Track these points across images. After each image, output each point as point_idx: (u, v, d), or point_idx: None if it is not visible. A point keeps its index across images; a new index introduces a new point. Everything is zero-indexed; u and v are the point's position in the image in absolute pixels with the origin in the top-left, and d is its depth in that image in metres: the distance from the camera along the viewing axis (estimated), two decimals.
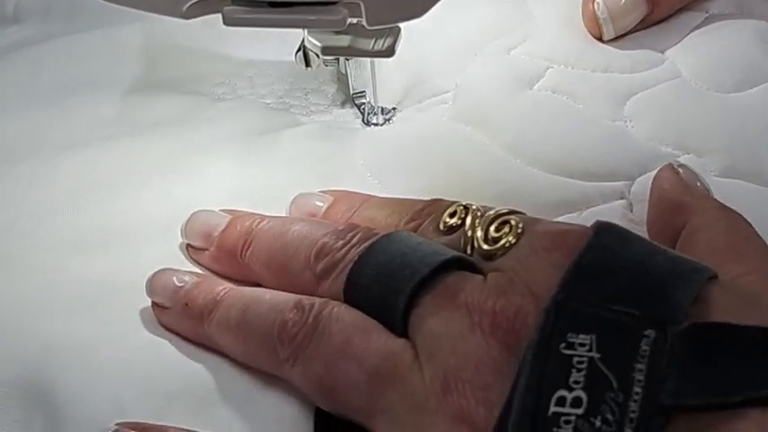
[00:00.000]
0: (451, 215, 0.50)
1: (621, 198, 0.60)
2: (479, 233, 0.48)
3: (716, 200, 0.52)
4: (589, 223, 0.47)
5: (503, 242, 0.47)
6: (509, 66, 0.68)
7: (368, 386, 0.45)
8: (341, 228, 0.51)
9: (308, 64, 0.66)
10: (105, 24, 0.75)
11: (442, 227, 0.50)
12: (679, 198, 0.52)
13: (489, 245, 0.47)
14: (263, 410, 0.49)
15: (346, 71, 0.67)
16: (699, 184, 0.53)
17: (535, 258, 0.45)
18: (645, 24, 0.70)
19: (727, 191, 0.56)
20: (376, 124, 0.67)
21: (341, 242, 0.49)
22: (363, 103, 0.67)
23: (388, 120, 0.67)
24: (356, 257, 0.48)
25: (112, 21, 0.75)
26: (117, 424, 0.47)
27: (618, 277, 0.42)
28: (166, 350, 0.51)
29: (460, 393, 0.42)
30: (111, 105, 0.67)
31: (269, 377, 0.49)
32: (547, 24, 0.71)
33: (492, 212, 0.49)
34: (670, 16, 0.71)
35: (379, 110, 0.67)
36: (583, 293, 0.42)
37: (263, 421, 0.48)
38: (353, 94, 0.68)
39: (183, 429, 0.47)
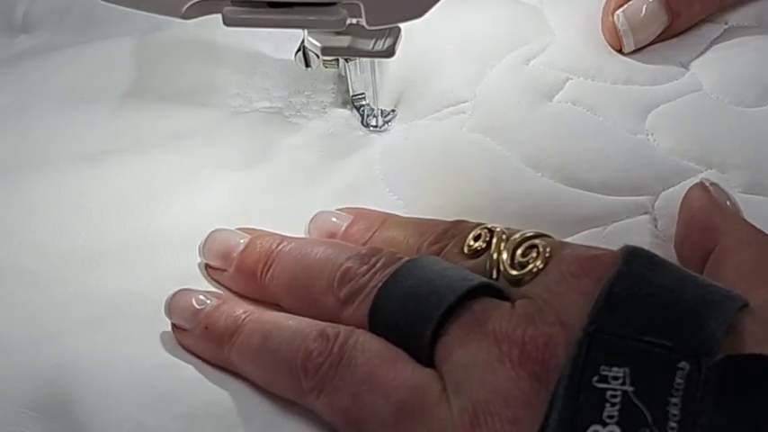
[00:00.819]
0: (476, 238, 0.49)
1: (645, 213, 0.59)
2: (505, 257, 0.47)
3: (746, 221, 0.52)
4: (614, 239, 0.46)
5: (530, 267, 0.46)
6: (528, 77, 0.67)
7: (395, 419, 0.44)
8: (364, 251, 0.50)
9: (307, 64, 0.65)
10: (115, 34, 0.74)
11: (466, 250, 0.49)
12: (709, 218, 0.52)
13: (516, 270, 0.47)
14: None
15: (346, 73, 0.66)
16: (729, 203, 0.52)
17: (564, 285, 0.44)
18: (665, 36, 0.69)
19: (750, 207, 0.56)
20: (375, 126, 0.66)
21: (365, 267, 0.49)
22: (363, 106, 0.67)
23: (388, 122, 0.66)
24: (381, 284, 0.48)
25: (122, 30, 0.75)
26: None
27: (649, 307, 0.42)
28: (187, 371, 0.50)
29: (489, 427, 0.42)
30: (122, 117, 0.67)
31: (292, 404, 0.48)
32: (565, 35, 0.71)
33: (518, 236, 0.48)
34: (690, 28, 0.70)
35: (379, 112, 0.66)
36: (614, 324, 0.41)
37: None
38: (353, 96, 0.67)
39: None
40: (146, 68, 0.71)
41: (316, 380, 0.46)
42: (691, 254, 0.52)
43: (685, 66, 0.68)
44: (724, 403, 0.39)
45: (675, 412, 0.39)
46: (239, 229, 0.55)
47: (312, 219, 0.56)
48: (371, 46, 0.61)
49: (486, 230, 0.49)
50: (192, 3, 0.57)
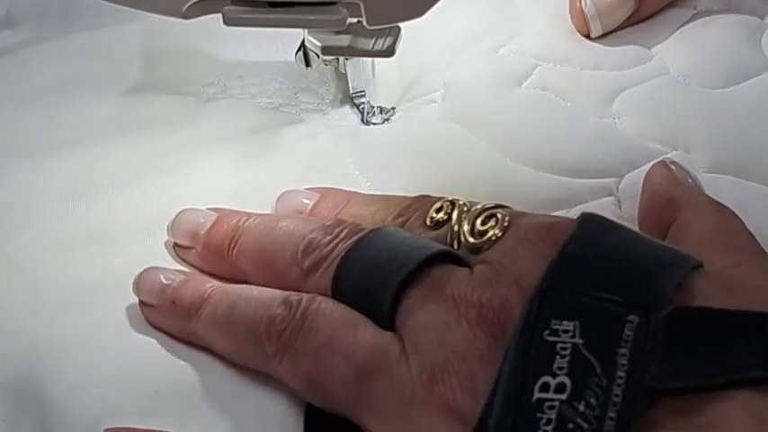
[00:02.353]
0: (438, 210, 0.50)
1: (610, 195, 0.60)
2: (466, 227, 0.48)
3: (706, 195, 0.52)
4: None
5: (489, 235, 0.47)
6: (498, 64, 0.68)
7: (355, 380, 0.45)
8: (328, 223, 0.51)
9: (308, 64, 0.66)
10: (96, 27, 0.75)
11: (428, 222, 0.50)
12: (670, 193, 0.52)
13: (476, 238, 0.48)
14: (251, 408, 0.48)
15: (346, 71, 0.67)
16: (690, 180, 0.53)
17: (521, 250, 0.45)
18: (632, 21, 0.70)
19: (715, 186, 0.56)
20: (375, 124, 0.67)
21: (328, 237, 0.49)
22: (363, 103, 0.67)
23: (387, 119, 0.67)
24: (343, 252, 0.48)
25: (106, 24, 0.75)
26: (105, 430, 0.47)
27: (601, 265, 0.43)
28: (154, 348, 0.51)
29: (447, 384, 0.42)
30: (100, 106, 0.67)
31: (257, 375, 0.49)
32: (535, 22, 0.71)
33: (478, 207, 0.49)
34: (658, 13, 0.71)
35: (378, 110, 0.67)
36: (566, 282, 0.42)
37: (251, 419, 0.48)
38: (353, 93, 0.68)
39: None
40: (126, 60, 0.72)
41: (278, 345, 0.47)
42: (653, 229, 0.53)
43: (652, 50, 0.69)
44: (671, 353, 0.40)
45: (624, 362, 0.39)
46: (207, 208, 0.56)
47: (279, 197, 0.57)
48: (371, 45, 0.62)
49: (447, 203, 0.50)
50: (192, 2, 0.57)
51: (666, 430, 0.39)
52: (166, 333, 0.52)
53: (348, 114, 0.68)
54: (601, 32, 0.69)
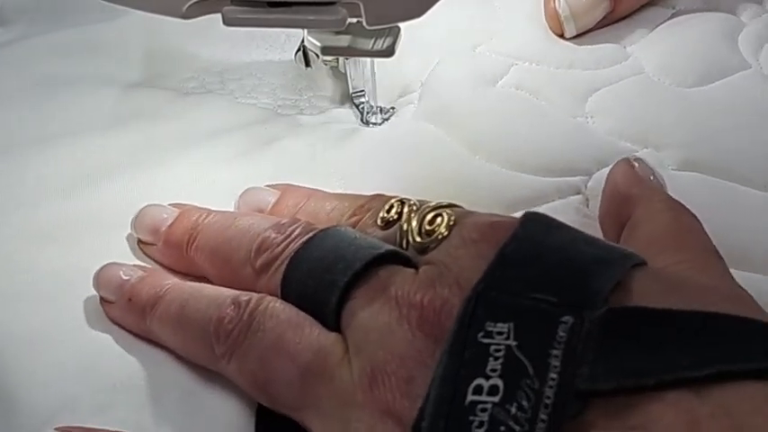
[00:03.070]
0: (389, 209, 0.50)
1: (578, 193, 0.60)
2: (414, 226, 0.48)
3: (664, 193, 0.52)
4: None
5: (435, 234, 0.47)
6: (474, 64, 0.68)
7: (300, 382, 0.45)
8: (282, 222, 0.51)
9: (307, 64, 0.67)
10: (86, 23, 0.76)
11: (379, 221, 0.50)
12: (628, 190, 0.52)
13: (423, 238, 0.48)
14: (206, 404, 0.49)
15: (345, 70, 0.67)
16: (652, 177, 0.53)
17: (463, 250, 0.45)
18: (608, 22, 0.70)
19: (684, 184, 0.57)
20: (375, 123, 0.67)
21: (280, 237, 0.50)
22: (362, 103, 0.67)
23: (387, 119, 0.67)
24: (293, 253, 0.49)
25: (94, 20, 0.76)
26: (56, 428, 0.47)
27: (539, 265, 0.43)
28: (113, 343, 0.51)
29: (386, 387, 0.43)
30: (79, 102, 0.68)
31: (211, 372, 0.49)
32: (513, 22, 0.72)
33: (429, 206, 0.49)
34: (636, 12, 0.71)
35: (378, 109, 0.67)
36: (503, 282, 0.42)
37: (206, 414, 0.48)
38: (352, 93, 0.68)
39: None
40: (109, 55, 0.73)
41: (227, 345, 0.47)
42: (611, 226, 0.53)
43: (629, 49, 0.69)
44: (604, 353, 0.40)
45: (556, 364, 0.39)
46: (170, 204, 0.56)
47: (242, 194, 0.57)
48: (371, 45, 0.62)
49: (398, 202, 0.50)
50: (192, 2, 0.57)
51: (598, 431, 0.39)
52: (125, 329, 0.52)
53: (348, 116, 0.68)
54: (575, 33, 0.69)
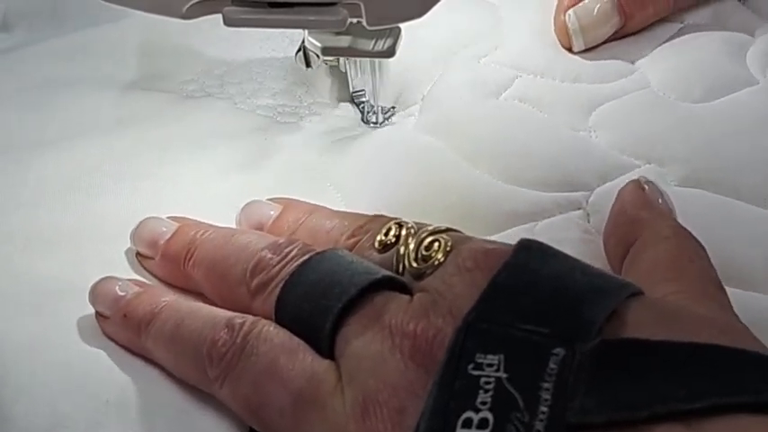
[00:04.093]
0: (386, 232, 0.50)
1: (579, 209, 0.59)
2: (411, 250, 0.48)
3: (672, 218, 0.52)
4: (544, 235, 0.47)
5: (432, 260, 0.47)
6: (477, 74, 0.68)
7: (292, 409, 0.45)
8: (280, 242, 0.51)
9: (308, 64, 0.66)
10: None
11: (377, 244, 0.50)
12: (635, 213, 0.52)
13: (419, 263, 0.48)
14: (199, 424, 0.48)
15: (346, 70, 0.67)
16: (661, 201, 0.53)
17: (458, 278, 0.45)
18: (617, 36, 0.70)
19: (686, 200, 0.57)
20: (375, 123, 0.67)
21: (277, 258, 0.50)
22: (363, 103, 0.67)
23: (388, 119, 0.67)
24: (288, 276, 0.48)
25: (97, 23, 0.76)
26: None
27: (531, 295, 0.42)
28: (105, 359, 0.51)
29: (378, 418, 0.42)
30: (79, 104, 0.68)
31: (204, 392, 0.49)
32: (518, 33, 0.71)
33: (426, 230, 0.49)
34: (645, 27, 0.70)
35: (379, 109, 0.67)
36: (494, 313, 0.42)
37: None
38: (353, 93, 0.68)
39: None
40: (109, 58, 0.73)
41: (220, 368, 0.47)
42: (615, 248, 0.53)
43: (635, 63, 0.69)
44: (596, 386, 0.39)
45: (547, 397, 0.39)
46: (170, 217, 0.56)
47: (243, 208, 0.57)
48: (372, 46, 0.62)
49: (396, 225, 0.50)
50: (192, 3, 0.57)
51: None
52: (119, 344, 0.52)
53: (348, 115, 0.68)
54: (583, 47, 0.69)
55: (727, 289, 0.48)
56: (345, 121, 0.68)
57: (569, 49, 0.69)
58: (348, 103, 0.69)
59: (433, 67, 0.69)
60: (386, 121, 0.67)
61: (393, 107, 0.68)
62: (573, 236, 0.57)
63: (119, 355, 0.51)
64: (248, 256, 0.50)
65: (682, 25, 0.71)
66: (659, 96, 0.66)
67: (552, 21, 0.70)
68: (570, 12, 0.68)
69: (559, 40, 0.69)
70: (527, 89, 0.67)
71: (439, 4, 0.67)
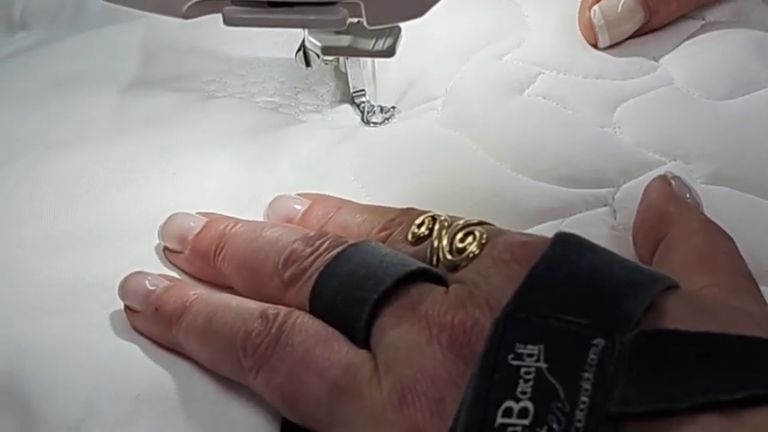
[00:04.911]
0: (419, 225, 0.50)
1: (605, 205, 0.59)
2: (445, 243, 0.48)
3: (700, 212, 0.52)
4: (572, 231, 0.47)
5: (467, 253, 0.47)
6: (500, 71, 0.68)
7: (328, 398, 0.45)
8: (311, 234, 0.51)
9: (308, 64, 0.66)
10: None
11: (410, 237, 0.50)
12: (663, 208, 0.52)
13: (453, 255, 0.48)
14: (231, 416, 0.49)
15: (346, 70, 0.67)
16: (688, 196, 0.53)
17: (494, 270, 0.45)
18: (642, 32, 0.69)
19: (712, 197, 0.56)
20: (375, 123, 0.67)
21: (309, 249, 0.50)
22: (363, 102, 0.67)
23: (388, 119, 0.67)
24: (322, 267, 0.48)
25: (113, 23, 0.76)
26: None
27: (570, 287, 0.42)
28: (137, 353, 0.51)
29: (416, 407, 0.42)
30: (101, 104, 0.68)
31: (236, 384, 0.49)
32: (541, 30, 0.71)
33: (459, 223, 0.49)
34: (667, 24, 0.70)
35: (379, 109, 0.67)
36: (533, 304, 0.42)
37: (231, 427, 0.48)
38: (353, 92, 0.68)
39: None
40: (129, 57, 0.73)
41: (254, 359, 0.47)
42: (644, 243, 0.53)
43: (658, 60, 0.69)
44: (636, 376, 0.39)
45: (587, 387, 0.39)
46: (199, 213, 0.56)
47: (271, 203, 0.57)
48: (372, 45, 0.62)
49: (430, 218, 0.50)
50: (192, 2, 0.57)
51: None
52: (150, 339, 0.52)
53: (349, 115, 0.68)
54: (609, 43, 0.69)
55: None
56: (347, 120, 0.68)
57: (595, 46, 0.69)
58: (349, 103, 0.69)
59: (455, 62, 0.69)
60: (386, 122, 0.66)
61: (393, 107, 0.68)
62: (600, 232, 0.57)
63: (148, 350, 0.51)
64: (279, 248, 0.50)
65: (704, 22, 0.71)
66: (683, 93, 0.66)
67: (576, 17, 0.70)
68: (596, 8, 0.68)
69: (584, 37, 0.69)
70: (550, 86, 0.67)
71: (457, 1, 0.68)
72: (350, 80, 0.67)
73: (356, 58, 0.65)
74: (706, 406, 0.38)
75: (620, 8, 0.68)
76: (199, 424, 0.48)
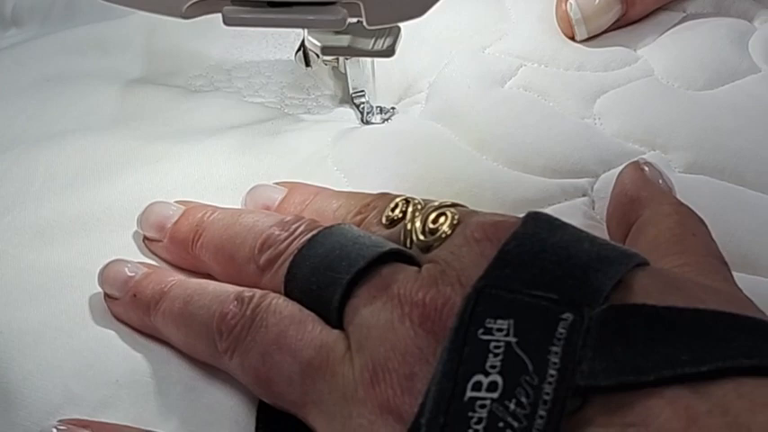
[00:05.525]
0: (393, 208, 0.51)
1: (584, 195, 0.60)
2: (418, 225, 0.48)
3: (672, 196, 0.52)
4: None
5: (439, 233, 0.47)
6: (482, 64, 0.68)
7: (301, 378, 0.45)
8: (287, 219, 0.51)
9: (307, 64, 0.67)
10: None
11: (384, 220, 0.51)
12: (636, 193, 0.52)
13: (426, 236, 0.48)
14: (209, 400, 0.49)
15: (345, 70, 0.67)
16: (661, 181, 0.53)
17: (467, 249, 0.45)
18: (619, 25, 0.70)
19: (690, 186, 0.57)
20: (375, 123, 0.67)
21: (284, 234, 0.50)
22: (362, 103, 0.67)
23: (387, 119, 0.67)
24: (296, 250, 0.49)
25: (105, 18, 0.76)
26: (59, 421, 0.47)
27: (540, 263, 0.43)
28: (116, 339, 0.51)
29: (387, 383, 0.43)
30: (87, 99, 0.68)
31: (213, 368, 0.50)
32: (523, 22, 0.71)
33: (432, 205, 0.49)
34: (647, 15, 0.71)
35: (378, 109, 0.67)
36: (503, 280, 0.42)
37: (208, 410, 0.49)
38: (352, 93, 0.68)
39: (123, 426, 0.48)
40: (118, 53, 0.73)
41: (229, 341, 0.47)
42: (617, 228, 0.53)
43: (639, 52, 0.69)
44: (604, 350, 0.40)
45: (555, 360, 0.39)
46: (176, 201, 0.57)
47: (249, 191, 0.57)
48: (371, 45, 0.62)
49: (403, 201, 0.51)
50: (192, 2, 0.57)
51: (597, 428, 0.39)
52: (129, 325, 0.52)
53: (343, 113, 0.69)
54: (586, 36, 0.69)
55: (733, 274, 0.49)
56: (351, 117, 0.68)
57: (572, 39, 0.69)
58: (348, 103, 0.70)
59: (438, 55, 0.69)
60: (385, 122, 0.67)
61: (393, 107, 0.68)
62: (578, 222, 0.56)
63: (128, 337, 0.52)
64: (256, 234, 0.51)
65: (684, 14, 0.72)
66: (663, 84, 0.66)
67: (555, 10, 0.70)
68: (572, 1, 0.68)
69: (562, 30, 0.70)
70: (532, 78, 0.67)
71: None
72: (349, 81, 0.67)
73: (356, 58, 0.66)
74: (672, 379, 0.39)
75: (597, 1, 0.69)
76: (177, 408, 0.49)
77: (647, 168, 0.54)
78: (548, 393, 0.39)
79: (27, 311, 0.53)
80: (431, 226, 0.48)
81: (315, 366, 0.45)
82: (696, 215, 0.50)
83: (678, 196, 0.53)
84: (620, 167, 0.58)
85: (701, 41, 0.69)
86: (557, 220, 0.46)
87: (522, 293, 0.42)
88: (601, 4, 0.68)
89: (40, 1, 0.80)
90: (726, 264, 0.48)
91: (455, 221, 0.47)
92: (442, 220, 0.48)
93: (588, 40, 0.70)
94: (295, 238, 0.49)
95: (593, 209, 0.59)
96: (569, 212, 0.58)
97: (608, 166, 0.61)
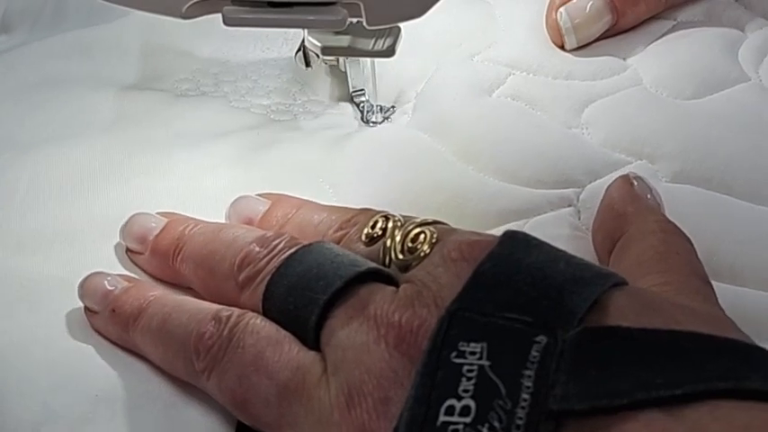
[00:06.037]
0: (374, 225, 0.50)
1: (570, 206, 0.59)
2: (397, 243, 0.48)
3: (659, 213, 0.52)
4: (534, 232, 0.47)
5: (417, 252, 0.47)
6: (470, 72, 0.68)
7: (277, 400, 0.45)
8: (267, 235, 0.51)
9: (308, 64, 0.67)
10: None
11: (364, 237, 0.50)
12: (624, 207, 0.52)
13: (405, 255, 0.48)
14: (187, 417, 0.49)
15: (345, 70, 0.67)
16: (649, 196, 0.53)
17: (443, 269, 0.45)
18: (610, 34, 0.69)
19: (677, 196, 0.57)
20: (375, 122, 0.67)
21: (264, 251, 0.50)
22: (362, 102, 0.67)
23: (387, 118, 0.67)
24: (275, 269, 0.49)
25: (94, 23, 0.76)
26: None
27: (514, 284, 0.42)
28: (95, 353, 0.51)
29: (363, 408, 0.42)
30: (72, 105, 0.68)
31: (192, 385, 0.49)
32: (512, 31, 0.71)
33: (414, 222, 0.49)
34: (637, 24, 0.70)
35: (378, 108, 0.67)
36: (477, 302, 0.42)
37: (186, 426, 0.48)
38: (352, 92, 0.68)
39: None
40: (105, 57, 0.73)
41: (206, 361, 0.47)
42: (603, 242, 0.53)
43: (628, 61, 0.69)
44: (578, 373, 0.39)
45: (529, 384, 0.39)
46: (159, 213, 0.56)
47: (233, 203, 0.57)
48: (371, 46, 0.62)
49: (383, 218, 0.50)
50: (192, 2, 0.57)
51: None
52: (108, 339, 0.52)
53: (329, 120, 0.68)
54: (576, 45, 0.69)
55: (717, 284, 0.49)
56: (344, 120, 0.68)
57: (562, 47, 0.69)
58: (347, 103, 0.69)
59: (426, 64, 0.69)
60: (385, 121, 0.67)
61: (393, 106, 0.68)
62: (563, 233, 0.57)
63: (108, 351, 0.51)
64: (236, 250, 0.51)
65: (675, 22, 0.71)
66: (651, 93, 0.66)
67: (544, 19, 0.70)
68: (562, 10, 0.68)
69: (551, 39, 0.69)
70: (520, 87, 0.67)
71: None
72: (349, 80, 0.67)
73: (356, 58, 0.66)
74: (647, 402, 0.38)
75: (587, 10, 0.68)
76: (155, 425, 0.48)
77: (636, 183, 0.53)
78: (521, 418, 0.39)
79: (4, 324, 0.53)
80: (409, 245, 0.48)
81: (291, 389, 0.45)
82: (682, 233, 0.50)
83: (665, 206, 0.53)
84: (607, 178, 0.59)
85: (691, 50, 0.68)
86: (534, 239, 0.45)
87: (495, 316, 0.41)
88: (591, 13, 0.68)
89: (29, 7, 0.80)
90: (709, 283, 0.47)
91: (434, 240, 0.47)
92: (421, 238, 0.48)
93: (577, 48, 0.69)
94: (274, 256, 0.49)
95: (579, 219, 0.58)
96: (555, 223, 0.58)
97: (594, 176, 0.60)
